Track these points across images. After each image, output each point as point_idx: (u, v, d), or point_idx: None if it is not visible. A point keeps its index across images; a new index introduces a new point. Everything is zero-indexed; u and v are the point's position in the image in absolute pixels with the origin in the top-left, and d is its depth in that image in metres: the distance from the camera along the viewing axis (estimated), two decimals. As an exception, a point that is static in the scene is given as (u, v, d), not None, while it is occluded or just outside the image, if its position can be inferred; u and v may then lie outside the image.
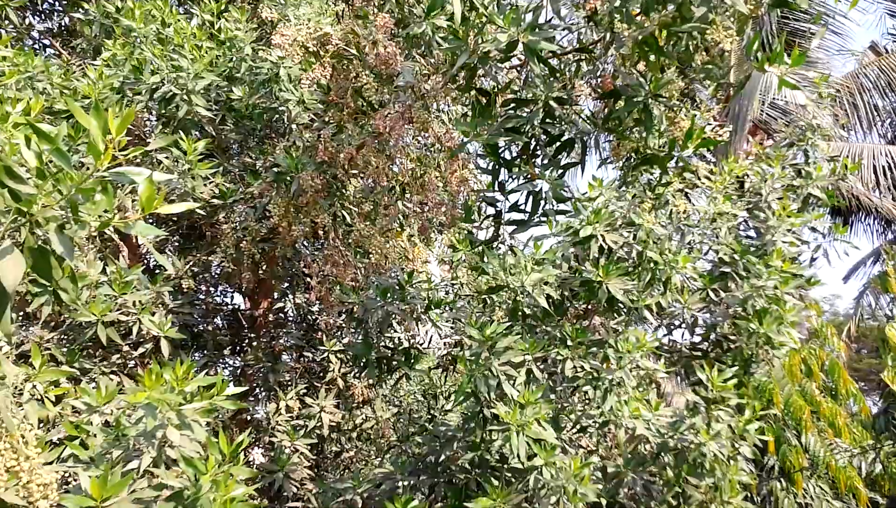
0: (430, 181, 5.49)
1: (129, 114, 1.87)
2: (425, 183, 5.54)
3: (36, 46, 9.47)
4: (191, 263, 6.96)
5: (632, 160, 4.33)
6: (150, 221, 2.23)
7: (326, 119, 5.94)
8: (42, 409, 3.69)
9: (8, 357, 3.92)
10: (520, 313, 4.91)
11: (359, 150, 5.52)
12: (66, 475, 4.26)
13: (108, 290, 5.29)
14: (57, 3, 9.75)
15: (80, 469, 3.66)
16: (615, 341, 4.88)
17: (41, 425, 3.65)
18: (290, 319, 9.38)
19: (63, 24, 9.84)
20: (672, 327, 6.06)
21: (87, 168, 1.87)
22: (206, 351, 8.17)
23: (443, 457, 5.73)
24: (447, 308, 6.56)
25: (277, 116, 6.75)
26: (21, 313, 5.50)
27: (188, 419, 3.89)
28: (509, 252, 4.95)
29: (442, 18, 5.06)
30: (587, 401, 5.39)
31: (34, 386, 4.16)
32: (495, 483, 5.07)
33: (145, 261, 7.88)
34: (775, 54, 3.80)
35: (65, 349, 5.62)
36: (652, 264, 4.59)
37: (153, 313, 5.78)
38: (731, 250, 5.20)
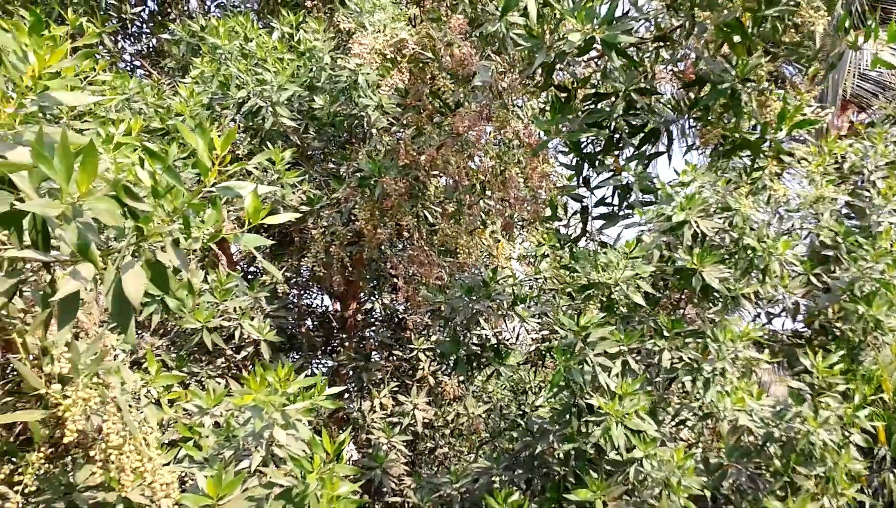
0: (511, 178, 5.49)
1: (231, 132, 1.97)
2: (506, 180, 5.54)
3: (128, 68, 10.06)
4: (283, 268, 7.21)
5: (721, 147, 4.18)
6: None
7: (405, 122, 6.03)
8: (159, 412, 3.92)
9: (124, 364, 4.18)
10: (614, 308, 4.84)
11: (438, 150, 5.58)
12: (182, 475, 4.51)
13: (210, 297, 5.56)
14: (145, 26, 10.31)
15: (196, 469, 3.86)
16: (713, 330, 4.74)
17: (158, 427, 3.89)
18: (378, 319, 9.57)
19: (151, 45, 10.40)
20: (771, 315, 5.83)
21: (196, 184, 1.98)
22: (300, 352, 8.45)
23: (538, 450, 5.72)
24: (533, 303, 6.54)
25: (357, 121, 6.91)
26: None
27: (292, 419, 4.05)
28: (599, 249, 4.88)
29: (516, 15, 5.05)
30: (685, 393, 5.25)
31: (149, 391, 4.42)
32: (594, 475, 5.02)
33: (240, 268, 8.24)
34: (869, 30, 3.60)
35: (174, 355, 5.95)
36: (749, 251, 4.43)
37: (252, 318, 6.04)
38: (832, 232, 4.96)
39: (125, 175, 2.02)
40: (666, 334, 5.07)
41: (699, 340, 4.96)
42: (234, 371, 6.76)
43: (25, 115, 1.88)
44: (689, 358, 4.82)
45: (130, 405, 3.48)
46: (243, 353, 6.51)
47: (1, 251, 1.97)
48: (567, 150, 4.56)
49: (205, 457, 4.14)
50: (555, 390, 5.24)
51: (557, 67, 4.25)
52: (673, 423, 5.52)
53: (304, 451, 3.84)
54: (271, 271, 2.20)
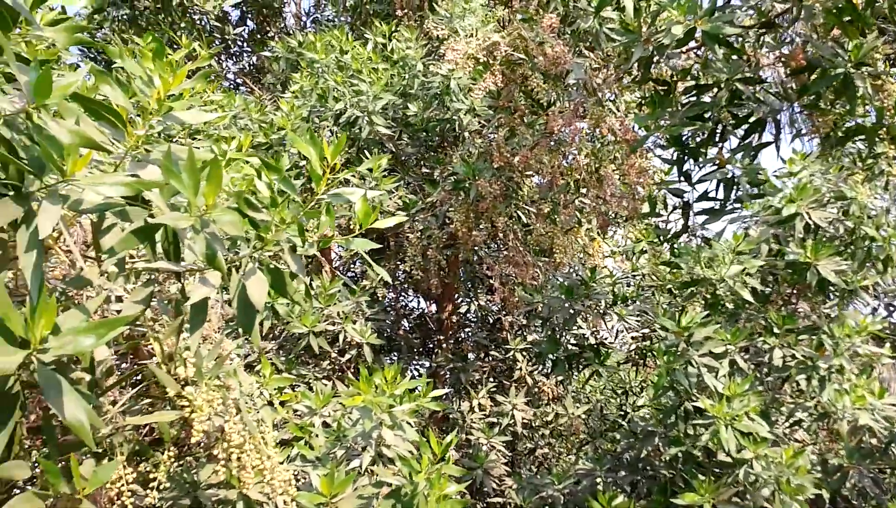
0: (607, 175, 5.40)
1: (340, 141, 2.05)
2: (602, 177, 5.45)
3: (231, 86, 10.60)
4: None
5: (833, 134, 3.96)
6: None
7: (497, 124, 6.05)
8: (273, 413, 4.10)
9: (239, 368, 4.42)
10: (719, 306, 4.67)
11: (532, 150, 5.57)
12: (296, 473, 4.71)
13: (316, 303, 5.78)
14: (245, 45, 10.83)
15: (310, 468, 4.02)
16: (829, 325, 4.49)
17: (273, 427, 4.07)
18: (474, 320, 9.64)
19: (251, 63, 10.91)
20: (892, 307, 5.46)
21: (308, 193, 2.07)
22: (399, 354, 8.62)
23: (644, 453, 5.60)
24: (632, 302, 6.40)
25: (449, 126, 6.99)
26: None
27: (399, 419, 4.15)
28: (703, 244, 4.73)
29: (609, 10, 4.97)
30: (799, 392, 5.01)
31: (262, 393, 4.65)
32: (702, 478, 4.87)
33: (340, 274, 8.50)
34: None
35: (283, 359, 6.21)
36: (867, 241, 4.17)
37: (354, 322, 6.22)
38: (962, 217, 4.60)
39: (243, 188, 2.14)
40: (777, 331, 4.85)
41: (813, 336, 4.72)
42: (339, 373, 6.98)
43: (147, 135, 2.03)
44: (802, 355, 4.59)
45: (248, 407, 3.67)
46: (347, 356, 6.71)
47: (134, 264, 2.14)
48: (667, 144, 4.44)
49: (317, 456, 4.30)
50: (659, 392, 5.11)
51: (655, 60, 4.15)
52: (787, 424, 5.27)
53: (410, 451, 3.93)
54: (380, 272, 2.27)
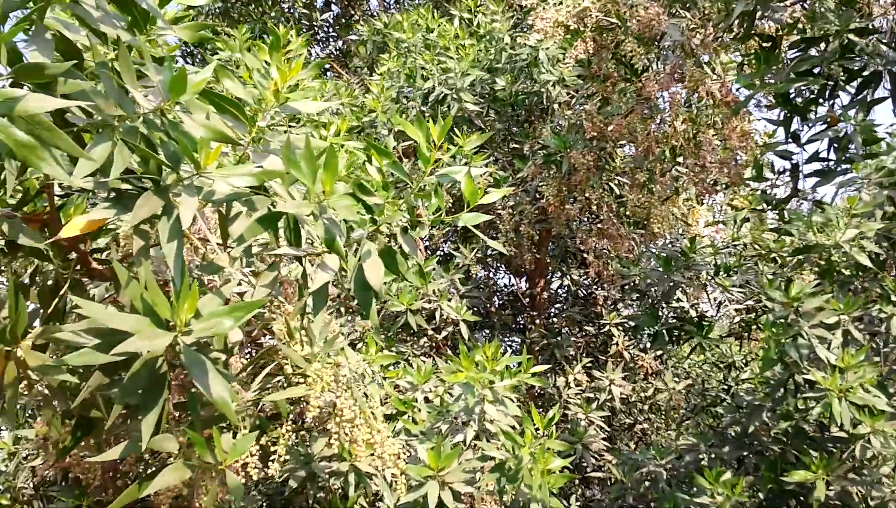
0: (706, 140, 5.20)
1: (447, 123, 2.07)
2: (700, 143, 5.26)
3: (319, 71, 10.83)
4: (475, 249, 7.43)
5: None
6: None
7: (588, 94, 5.92)
8: (380, 389, 4.23)
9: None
10: (834, 273, 4.44)
11: (626, 118, 5.43)
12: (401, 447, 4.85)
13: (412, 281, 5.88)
14: (331, 30, 11.02)
15: (416, 442, 4.13)
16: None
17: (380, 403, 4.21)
18: (566, 295, 9.55)
19: (338, 47, 11.10)
20: None
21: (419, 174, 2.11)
22: (492, 331, 8.66)
23: (751, 428, 5.43)
24: (735, 272, 6.17)
25: (537, 98, 6.90)
26: (348, 308, 6.35)
27: (500, 395, 4.20)
28: (815, 208, 4.50)
29: (705, -35, 4.76)
30: (924, 363, 4.72)
31: (369, 370, 4.80)
32: (814, 454, 4.69)
33: (432, 252, 8.62)
34: None
35: (382, 337, 6.37)
36: None
37: (449, 300, 6.30)
38: None
39: (349, 171, 2.21)
40: (894, 298, 4.58)
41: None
42: (436, 350, 7.10)
43: (260, 127, 2.11)
44: (926, 324, 4.32)
45: (357, 383, 3.80)
46: (443, 333, 6.81)
47: (265, 250, 2.24)
48: (772, 104, 4.22)
49: (420, 431, 4.41)
50: (767, 365, 4.94)
51: (759, 14, 3.95)
52: (910, 396, 4.98)
53: (513, 426, 3.97)
54: (497, 247, 2.29)
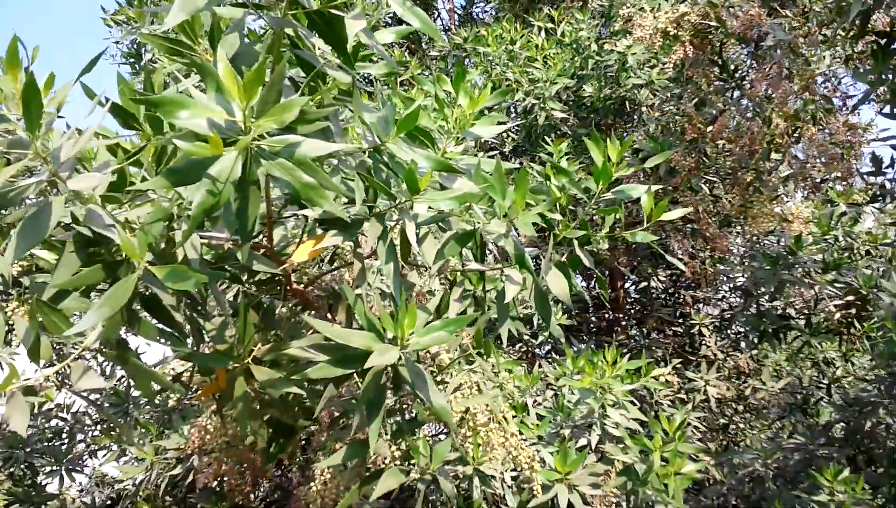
0: (812, 136, 5.15)
1: (626, 143, 2.18)
2: (808, 139, 5.21)
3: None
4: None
5: None
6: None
7: (681, 95, 5.92)
8: (503, 393, 4.34)
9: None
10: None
11: (721, 116, 5.42)
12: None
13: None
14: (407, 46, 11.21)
15: (540, 446, 4.22)
16: None
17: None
18: (647, 297, 9.49)
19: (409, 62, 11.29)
20: None
21: (593, 191, 2.21)
22: (584, 335, 8.69)
23: (867, 425, 5.33)
24: (839, 269, 6.06)
25: (622, 102, 6.93)
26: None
27: (621, 399, 4.26)
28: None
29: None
30: None
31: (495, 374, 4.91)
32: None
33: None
34: None
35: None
36: None
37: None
38: None
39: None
40: None
41: None
42: (532, 354, 7.19)
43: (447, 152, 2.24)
44: None
45: (487, 388, 3.92)
46: (539, 338, 6.89)
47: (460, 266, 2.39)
48: (888, 99, 4.18)
49: (538, 435, 4.50)
50: (886, 359, 4.85)
51: (874, 11, 3.92)
52: None
53: (633, 430, 4.02)
54: (674, 262, 2.37)
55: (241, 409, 1.97)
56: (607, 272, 9.03)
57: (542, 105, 6.62)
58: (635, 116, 7.14)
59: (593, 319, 9.33)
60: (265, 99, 1.44)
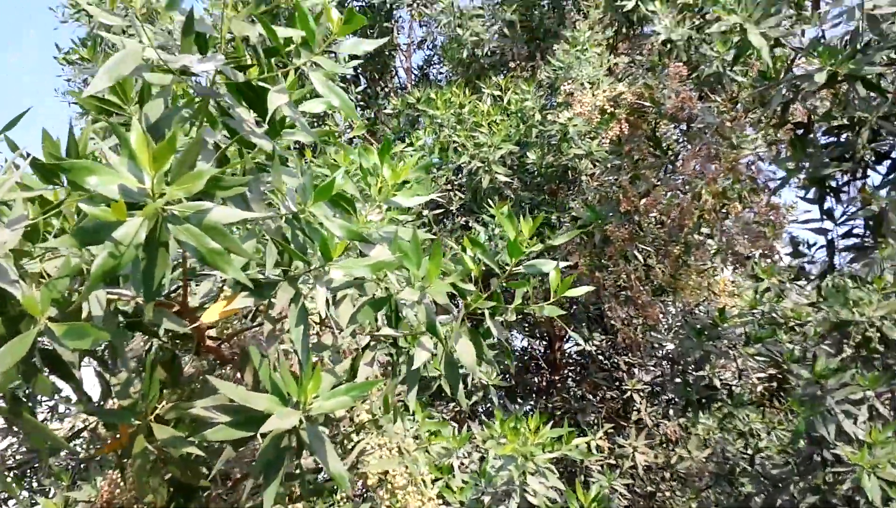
0: (738, 213, 5.43)
1: (538, 219, 2.28)
2: (733, 216, 5.49)
3: (346, 142, 11.17)
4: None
5: None
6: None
7: (618, 168, 6.18)
8: (427, 455, 4.33)
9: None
10: (872, 346, 4.61)
11: (651, 192, 5.67)
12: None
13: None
14: (357, 103, 11.41)
15: (459, 510, 4.21)
16: None
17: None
18: (585, 360, 9.63)
19: (367, 117, 11.48)
20: None
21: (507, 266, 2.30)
22: (515, 395, 8.73)
23: (779, 501, 5.47)
24: (759, 343, 6.31)
25: (564, 170, 7.17)
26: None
27: (542, 467, 4.30)
28: (851, 283, 4.68)
29: (731, 53, 5.06)
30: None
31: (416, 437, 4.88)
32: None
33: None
34: None
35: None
36: None
37: (480, 364, 6.42)
38: None
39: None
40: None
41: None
42: (465, 415, 7.18)
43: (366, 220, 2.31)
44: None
45: (406, 450, 3.91)
46: (473, 398, 6.90)
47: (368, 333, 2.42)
48: (807, 184, 4.45)
49: (460, 501, 4.49)
50: (797, 439, 5.04)
51: (792, 102, 4.21)
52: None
53: (554, 500, 4.05)
54: (577, 338, 2.46)
55: (139, 466, 1.94)
56: (545, 334, 9.17)
57: (486, 168, 6.80)
58: (577, 184, 7.39)
59: (535, 380, 9.40)
60: (180, 165, 1.49)
